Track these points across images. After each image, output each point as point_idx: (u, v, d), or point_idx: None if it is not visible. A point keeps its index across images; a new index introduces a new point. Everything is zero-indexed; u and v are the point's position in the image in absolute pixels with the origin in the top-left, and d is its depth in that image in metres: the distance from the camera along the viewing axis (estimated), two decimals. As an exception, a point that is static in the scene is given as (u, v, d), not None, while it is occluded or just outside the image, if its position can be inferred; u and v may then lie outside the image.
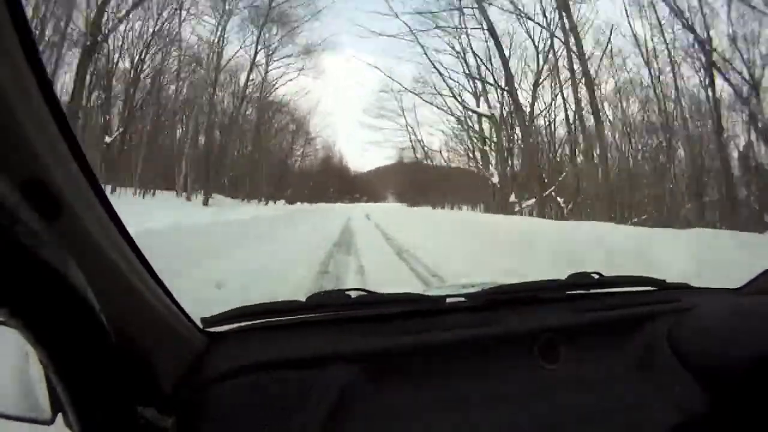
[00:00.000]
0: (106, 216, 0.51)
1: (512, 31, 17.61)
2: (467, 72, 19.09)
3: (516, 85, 17.04)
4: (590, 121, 14.42)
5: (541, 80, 17.12)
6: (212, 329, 0.77)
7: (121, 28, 17.57)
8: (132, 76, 19.04)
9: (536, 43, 16.99)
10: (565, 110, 16.67)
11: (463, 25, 18.06)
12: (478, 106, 19.58)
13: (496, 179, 18.47)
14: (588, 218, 11.61)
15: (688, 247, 4.43)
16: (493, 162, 19.48)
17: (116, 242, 0.52)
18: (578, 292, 1.01)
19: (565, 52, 14.95)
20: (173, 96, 21.58)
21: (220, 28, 21.49)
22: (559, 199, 15.28)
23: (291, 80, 27.60)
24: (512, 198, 16.45)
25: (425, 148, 26.71)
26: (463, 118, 20.66)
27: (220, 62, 22.26)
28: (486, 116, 18.82)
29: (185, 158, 21.84)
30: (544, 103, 17.65)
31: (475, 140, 20.90)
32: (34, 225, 0.33)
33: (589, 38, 15.24)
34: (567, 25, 14.46)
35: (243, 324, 0.81)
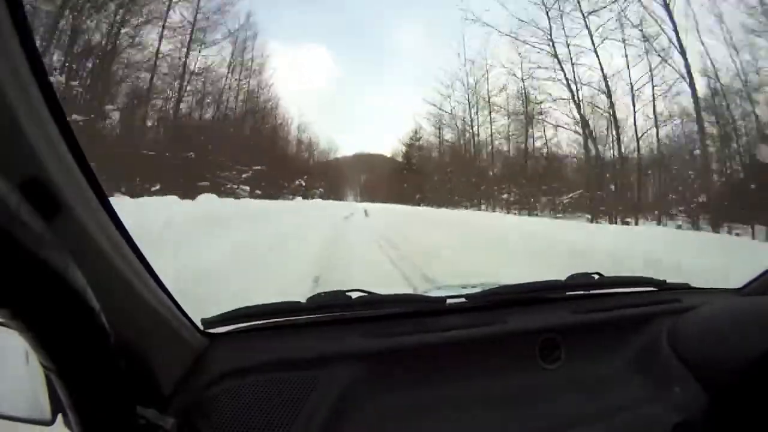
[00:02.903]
0: (106, 216, 0.51)
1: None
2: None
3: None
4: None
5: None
6: (212, 330, 0.77)
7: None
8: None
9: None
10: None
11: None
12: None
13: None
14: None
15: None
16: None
17: (116, 242, 0.52)
18: (578, 292, 1.01)
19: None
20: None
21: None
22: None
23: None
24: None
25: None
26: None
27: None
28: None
29: None
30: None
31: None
32: (35, 225, 0.33)
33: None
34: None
35: (243, 325, 0.81)
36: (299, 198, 23.52)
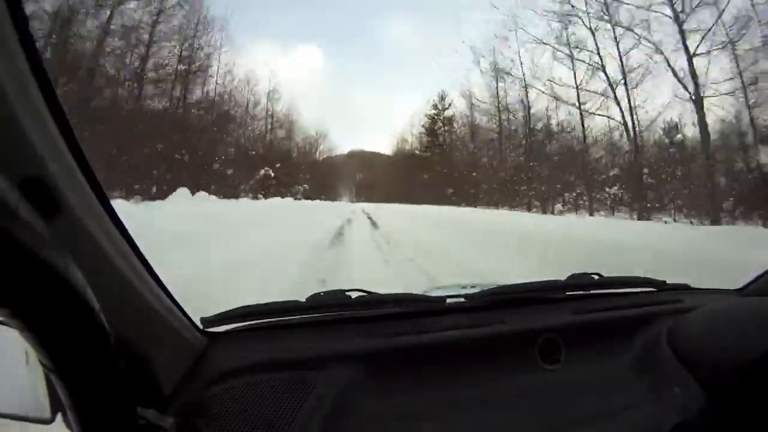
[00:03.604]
0: (105, 215, 0.51)
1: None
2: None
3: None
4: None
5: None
6: (212, 329, 0.77)
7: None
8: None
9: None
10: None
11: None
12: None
13: None
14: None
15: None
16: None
17: (116, 242, 0.52)
18: (578, 292, 1.01)
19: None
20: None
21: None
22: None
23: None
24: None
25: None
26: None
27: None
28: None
29: None
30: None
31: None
32: (35, 225, 0.33)
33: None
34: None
35: (243, 324, 0.81)
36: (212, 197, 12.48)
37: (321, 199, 23.65)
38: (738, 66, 13.41)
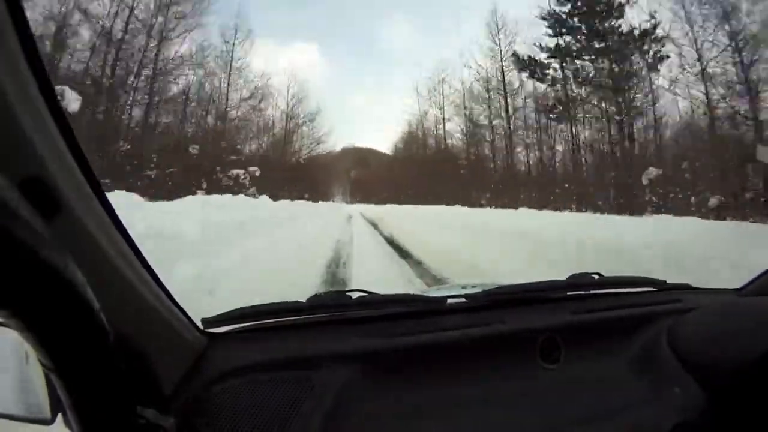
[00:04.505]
0: (105, 215, 0.51)
1: None
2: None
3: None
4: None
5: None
6: (212, 330, 0.77)
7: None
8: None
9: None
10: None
11: None
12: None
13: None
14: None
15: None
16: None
17: (116, 242, 0.52)
18: (578, 292, 1.01)
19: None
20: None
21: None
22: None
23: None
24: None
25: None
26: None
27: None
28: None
29: None
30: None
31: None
32: (35, 224, 0.33)
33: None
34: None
35: (243, 325, 0.81)
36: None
37: (300, 198, 16.25)
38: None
